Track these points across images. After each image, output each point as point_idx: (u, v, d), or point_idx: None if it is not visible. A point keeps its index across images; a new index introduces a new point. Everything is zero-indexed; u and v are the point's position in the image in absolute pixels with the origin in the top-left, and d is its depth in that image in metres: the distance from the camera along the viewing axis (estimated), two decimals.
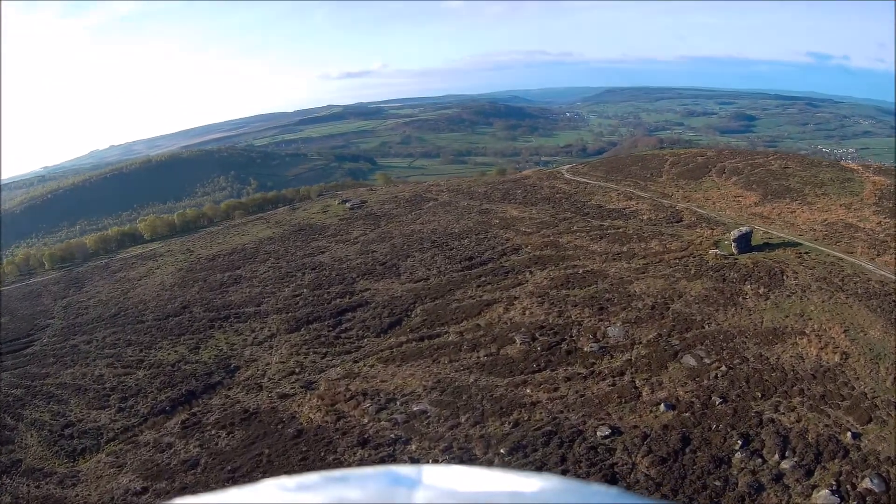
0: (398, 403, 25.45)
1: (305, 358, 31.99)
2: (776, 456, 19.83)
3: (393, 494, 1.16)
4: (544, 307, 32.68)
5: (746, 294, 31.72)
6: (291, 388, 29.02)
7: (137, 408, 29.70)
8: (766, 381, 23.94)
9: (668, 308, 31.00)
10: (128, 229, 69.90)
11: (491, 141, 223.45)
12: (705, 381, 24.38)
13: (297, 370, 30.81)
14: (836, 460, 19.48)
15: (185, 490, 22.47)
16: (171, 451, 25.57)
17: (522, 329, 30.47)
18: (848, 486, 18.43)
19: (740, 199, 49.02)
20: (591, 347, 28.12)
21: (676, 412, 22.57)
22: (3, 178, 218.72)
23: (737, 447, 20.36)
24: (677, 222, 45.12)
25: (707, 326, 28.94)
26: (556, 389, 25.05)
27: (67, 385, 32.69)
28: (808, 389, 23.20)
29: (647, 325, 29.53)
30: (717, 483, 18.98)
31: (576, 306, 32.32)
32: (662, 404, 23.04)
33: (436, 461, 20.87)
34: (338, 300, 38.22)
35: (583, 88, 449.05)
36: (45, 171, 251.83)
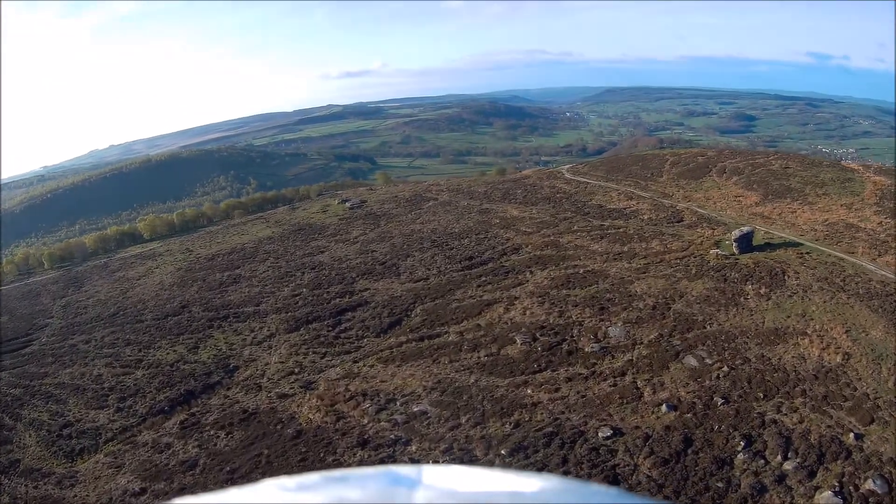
0: (398, 404, 25.33)
1: (305, 358, 31.87)
2: (779, 457, 19.73)
3: (393, 494, 1.15)
4: (545, 307, 32.56)
5: (748, 294, 31.61)
6: (291, 389, 28.90)
7: (136, 408, 29.58)
8: (768, 381, 23.83)
9: (670, 308, 30.89)
10: (127, 229, 69.76)
11: (491, 141, 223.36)
12: (707, 382, 24.27)
13: (296, 370, 30.69)
14: (839, 461, 19.38)
15: (183, 491, 22.33)
16: (170, 451, 25.45)
17: (523, 329, 30.35)
18: (850, 488, 18.33)
19: (741, 198, 48.92)
20: (592, 348, 28.01)
21: (678, 413, 22.46)
22: (2, 177, 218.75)
23: (739, 448, 20.26)
24: (678, 222, 45.01)
25: (708, 327, 28.83)
26: (557, 390, 24.94)
27: (66, 385, 32.57)
28: (811, 390, 23.10)
29: (649, 326, 29.42)
30: (720, 484, 18.87)
31: (576, 306, 32.20)
32: (664, 405, 22.93)
33: (436, 462, 20.74)
34: (337, 300, 38.10)
35: (583, 88, 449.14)
36: (45, 171, 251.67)
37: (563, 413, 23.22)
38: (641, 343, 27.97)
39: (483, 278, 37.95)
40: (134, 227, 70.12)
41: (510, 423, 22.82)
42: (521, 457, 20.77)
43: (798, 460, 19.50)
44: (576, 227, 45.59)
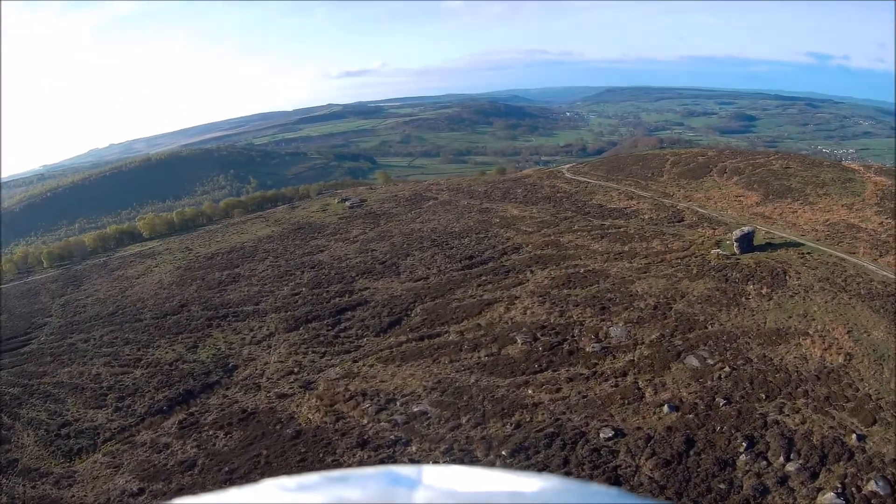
0: (398, 404, 25.20)
1: (304, 357, 31.74)
2: (781, 458, 19.63)
3: (393, 494, 1.15)
4: (545, 307, 32.43)
5: (749, 294, 31.50)
6: (290, 388, 28.77)
7: (134, 407, 29.45)
8: (770, 382, 23.72)
9: (671, 308, 30.78)
10: (126, 228, 69.58)
11: (491, 140, 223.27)
12: (709, 382, 24.16)
13: (295, 370, 30.56)
14: (841, 462, 19.28)
15: (182, 491, 22.20)
16: (168, 451, 25.32)
17: (524, 329, 30.22)
18: (853, 489, 18.23)
19: (742, 198, 48.82)
20: (593, 348, 27.89)
21: (680, 413, 22.35)
22: (2, 176, 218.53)
23: (741, 449, 20.15)
24: (679, 222, 44.90)
25: (710, 327, 28.72)
26: (558, 390, 24.81)
27: (64, 384, 32.42)
28: (813, 391, 22.99)
29: (650, 326, 29.30)
30: (722, 486, 18.76)
31: (577, 306, 32.08)
32: (666, 405, 22.81)
33: (436, 463, 20.62)
34: (337, 299, 37.96)
35: (583, 88, 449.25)
36: (45, 170, 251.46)
37: (564, 414, 23.10)
38: (643, 343, 27.85)
39: (483, 278, 37.82)
40: (133, 225, 69.99)
41: (511, 424, 22.69)
42: (523, 458, 20.65)
43: (800, 461, 19.39)
44: (576, 227, 45.47)
